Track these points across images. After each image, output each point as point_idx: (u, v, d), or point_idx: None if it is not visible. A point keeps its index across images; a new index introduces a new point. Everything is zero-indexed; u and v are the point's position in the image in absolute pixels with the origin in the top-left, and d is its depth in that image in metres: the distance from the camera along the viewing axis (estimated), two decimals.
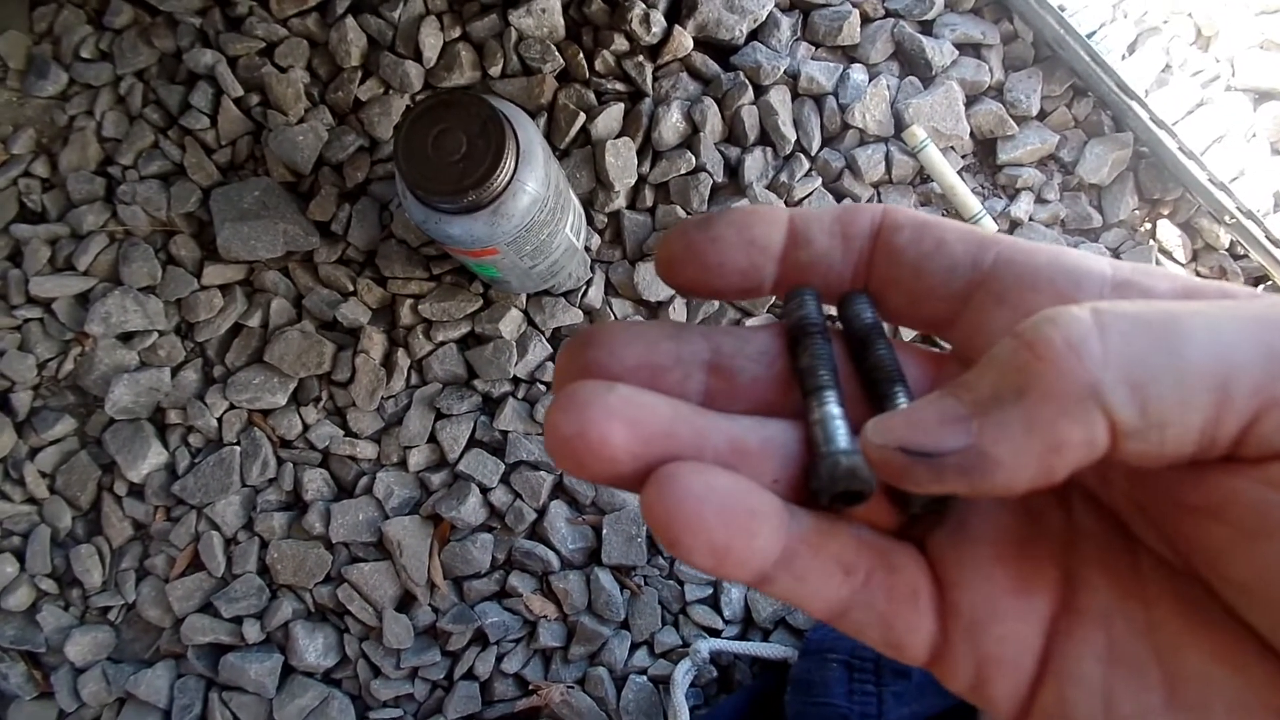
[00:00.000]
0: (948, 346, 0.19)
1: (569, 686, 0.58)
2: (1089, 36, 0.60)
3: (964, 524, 0.17)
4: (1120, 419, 0.13)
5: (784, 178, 0.59)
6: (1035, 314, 0.14)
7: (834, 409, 0.17)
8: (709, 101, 0.59)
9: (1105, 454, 0.14)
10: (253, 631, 0.58)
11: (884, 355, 0.18)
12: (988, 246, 0.18)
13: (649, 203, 0.60)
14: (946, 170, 0.59)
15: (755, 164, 0.59)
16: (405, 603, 0.59)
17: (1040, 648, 0.16)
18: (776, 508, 0.16)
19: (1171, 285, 0.16)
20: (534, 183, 0.47)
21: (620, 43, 0.59)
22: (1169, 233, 0.60)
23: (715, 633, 0.58)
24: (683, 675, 0.55)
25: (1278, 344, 0.13)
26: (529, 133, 0.47)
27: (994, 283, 0.17)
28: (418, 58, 0.60)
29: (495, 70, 0.60)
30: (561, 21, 0.60)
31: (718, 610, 0.59)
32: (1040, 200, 0.61)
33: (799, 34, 0.62)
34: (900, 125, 0.60)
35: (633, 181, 0.60)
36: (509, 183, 0.46)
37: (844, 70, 0.60)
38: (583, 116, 0.59)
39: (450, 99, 0.45)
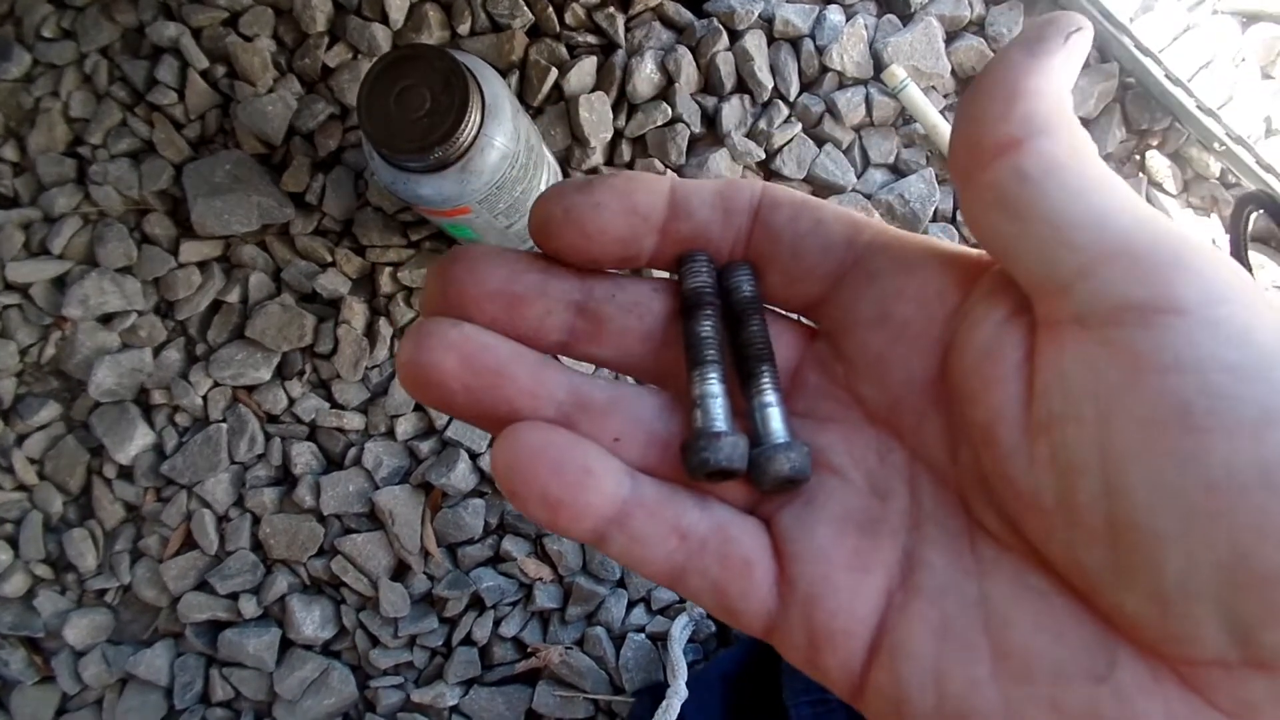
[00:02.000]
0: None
1: (567, 647, 0.58)
2: None
3: (811, 501, 0.18)
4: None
5: (763, 125, 0.58)
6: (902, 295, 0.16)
7: (715, 387, 0.18)
8: (683, 50, 0.58)
9: None
10: (249, 607, 0.58)
11: (756, 332, 0.19)
12: (862, 228, 0.18)
13: (626, 157, 0.59)
14: (928, 110, 0.58)
15: (733, 113, 0.58)
16: (400, 572, 0.59)
17: (875, 624, 0.16)
18: (614, 468, 0.17)
19: None
20: (502, 137, 0.46)
21: None
22: (1159, 164, 0.59)
23: None
24: (680, 630, 0.55)
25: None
26: (494, 86, 0.46)
27: (867, 263, 0.18)
28: (384, 20, 0.59)
29: (464, 29, 0.59)
30: None
31: None
32: None
33: None
34: (880, 66, 0.58)
35: (609, 136, 0.58)
36: (475, 137, 0.45)
37: (820, 11, 0.59)
38: (555, 72, 0.58)
39: (411, 54, 0.44)
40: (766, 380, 0.18)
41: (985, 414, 0.16)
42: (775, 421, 0.18)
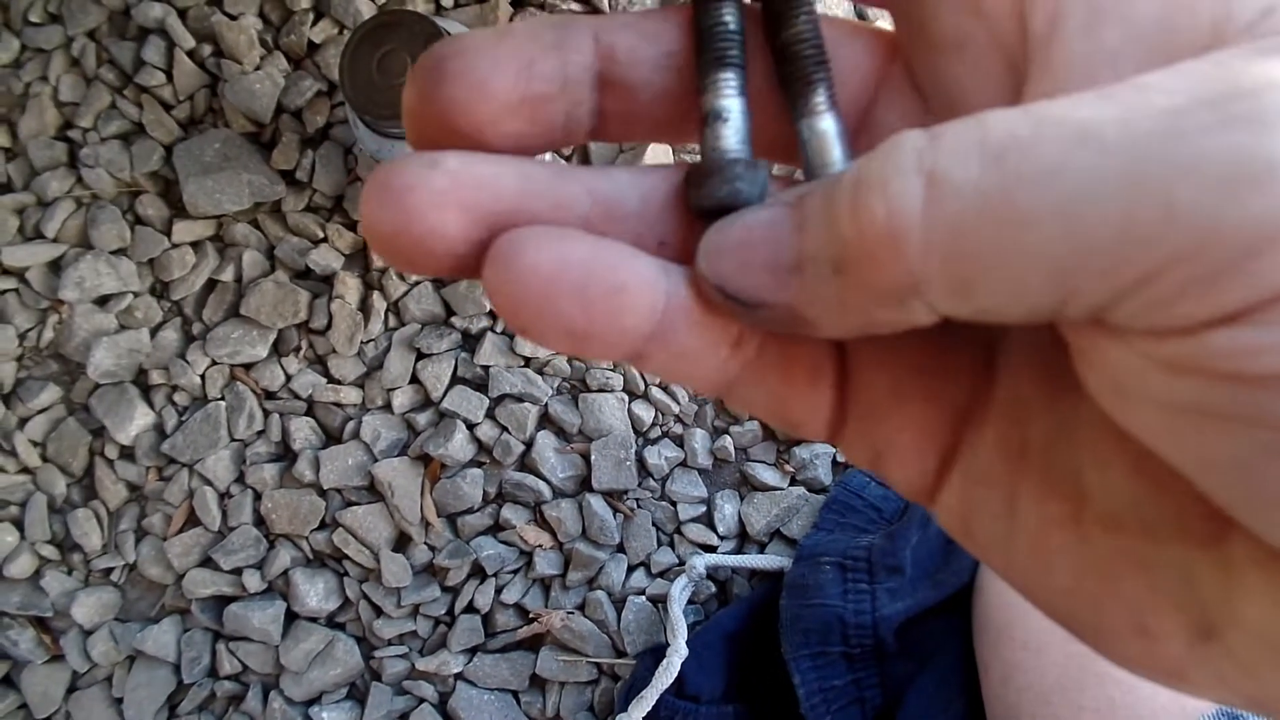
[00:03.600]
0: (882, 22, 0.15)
1: (569, 612, 0.58)
2: None
3: None
4: (944, 310, 0.11)
5: None
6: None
7: (728, 98, 0.14)
8: None
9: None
10: (253, 581, 0.59)
11: (804, 28, 0.14)
12: None
13: None
14: None
15: None
16: (401, 543, 0.59)
17: (946, 438, 0.14)
18: (649, 276, 0.13)
19: None
20: None
21: None
22: None
23: (710, 549, 0.58)
24: (680, 592, 0.55)
25: (1145, 199, 0.10)
26: None
27: None
28: None
29: (449, 1, 0.59)
30: None
31: (712, 527, 0.59)
32: None
33: None
34: None
35: None
36: None
37: None
38: None
39: (392, 19, 0.44)
40: (820, 95, 0.14)
41: None
42: (834, 149, 0.14)
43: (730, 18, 0.14)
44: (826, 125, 0.14)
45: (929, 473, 0.15)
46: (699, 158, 0.14)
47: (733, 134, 0.14)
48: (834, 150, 0.14)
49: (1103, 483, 0.13)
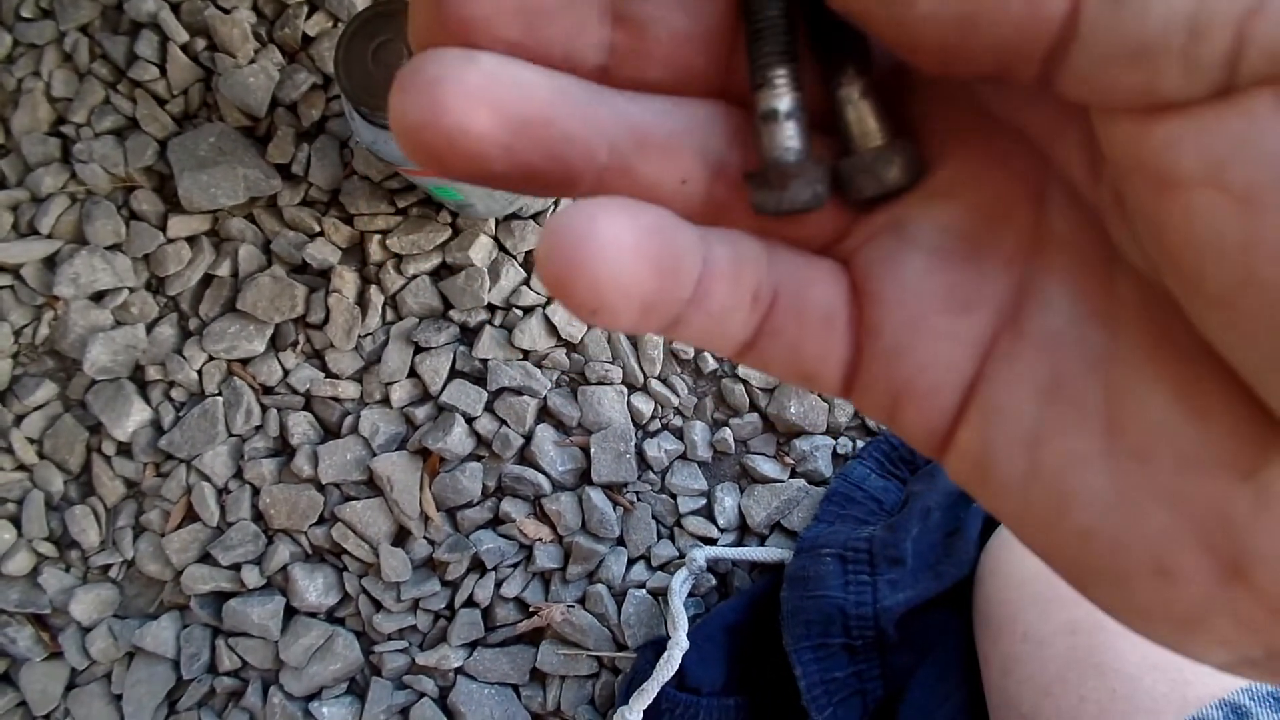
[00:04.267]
0: None
1: (569, 606, 0.58)
2: None
3: (902, 228, 0.14)
4: None
5: None
6: None
7: (785, 96, 0.13)
8: None
9: (1054, 43, 0.11)
10: (252, 577, 0.59)
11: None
12: None
13: None
14: None
15: None
16: (400, 537, 0.59)
17: (970, 374, 0.14)
18: (695, 240, 0.13)
19: None
20: None
21: None
22: None
23: (711, 541, 0.58)
24: (680, 584, 0.55)
25: None
26: None
27: None
28: None
29: None
30: None
31: (712, 519, 0.59)
32: None
33: None
34: None
35: None
36: None
37: None
38: None
39: (387, 9, 0.44)
40: (853, 68, 0.14)
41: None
42: (868, 119, 0.14)
43: (782, 4, 0.13)
44: (863, 94, 0.14)
45: (948, 412, 0.14)
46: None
47: (800, 134, 0.14)
48: (872, 119, 0.14)
49: (1137, 414, 0.12)
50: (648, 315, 0.12)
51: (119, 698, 0.59)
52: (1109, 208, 0.13)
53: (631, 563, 0.59)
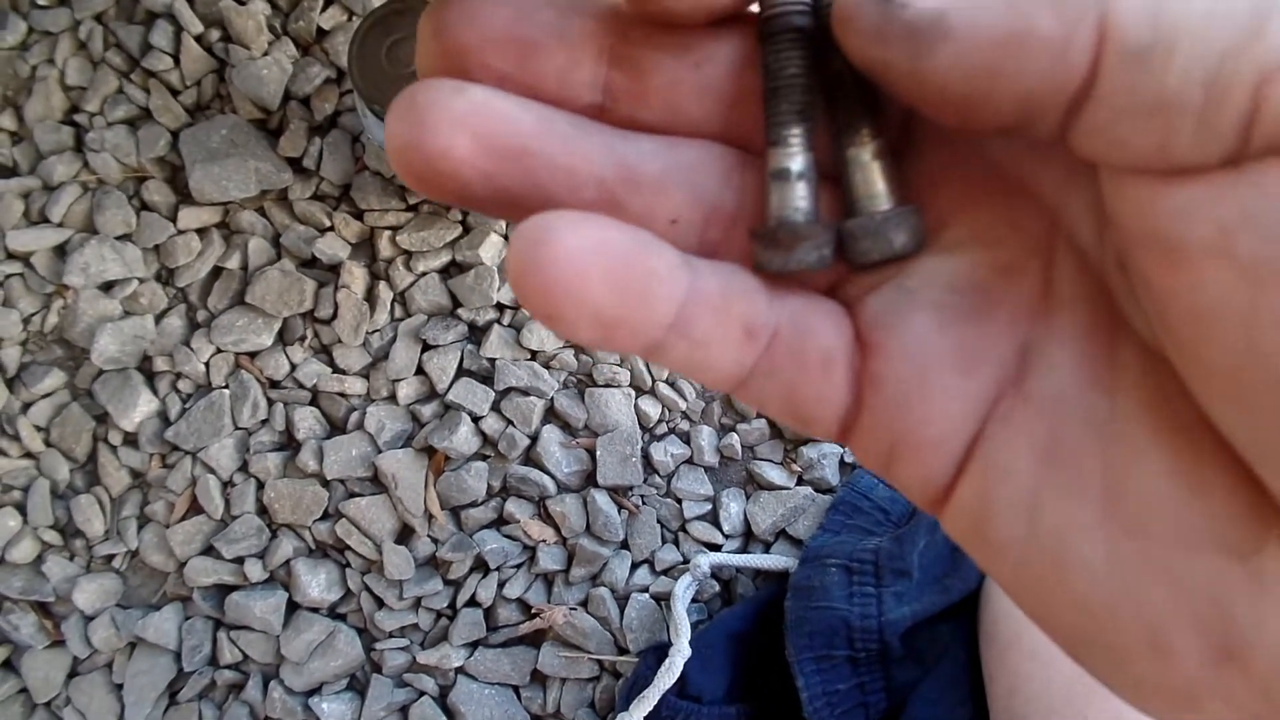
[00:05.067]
0: None
1: (572, 608, 0.58)
2: None
3: (908, 281, 0.14)
4: (1120, 23, 0.10)
5: None
6: None
7: (797, 157, 0.14)
8: None
9: (1074, 99, 0.11)
10: (255, 571, 0.58)
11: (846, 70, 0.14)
12: None
13: None
14: None
15: None
16: (404, 535, 0.59)
17: (971, 433, 0.14)
18: (676, 264, 0.13)
19: None
20: None
21: None
22: None
23: (715, 547, 0.58)
24: (684, 590, 0.55)
25: None
26: None
27: None
28: None
29: None
30: None
31: (717, 525, 0.58)
32: None
33: None
34: None
35: None
36: None
37: None
38: None
39: (402, 7, 0.44)
40: (866, 129, 0.14)
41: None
42: (876, 182, 0.14)
43: (802, 63, 0.14)
44: (868, 155, 0.14)
45: (947, 469, 0.14)
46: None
47: (809, 196, 0.14)
48: (880, 181, 0.14)
49: (1136, 486, 0.12)
50: (610, 331, 0.12)
51: (120, 687, 0.59)
52: (1114, 273, 0.13)
53: (635, 566, 0.59)
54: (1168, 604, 0.12)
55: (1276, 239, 0.10)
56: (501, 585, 0.58)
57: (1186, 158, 0.11)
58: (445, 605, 0.59)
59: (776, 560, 0.56)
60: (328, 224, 0.59)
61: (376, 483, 0.59)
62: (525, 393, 0.59)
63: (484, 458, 0.59)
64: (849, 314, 0.15)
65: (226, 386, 0.59)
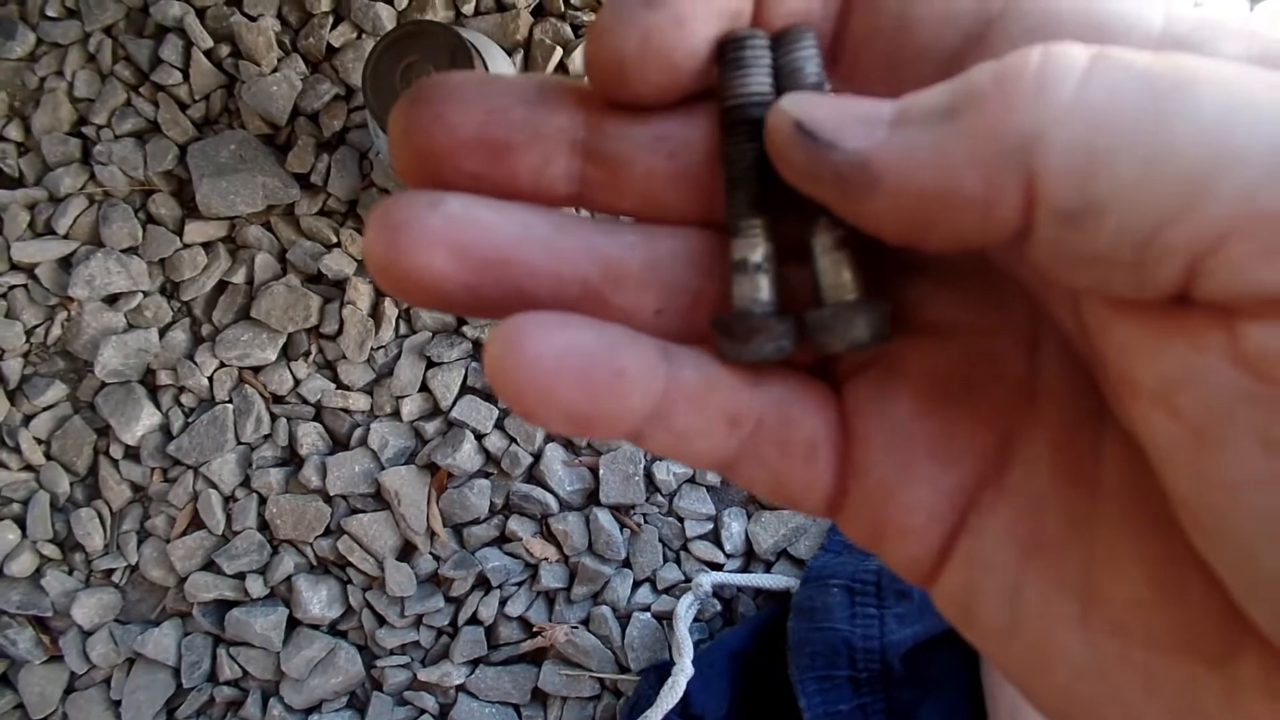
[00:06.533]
0: None
1: (573, 627, 0.58)
2: None
3: (894, 367, 0.15)
4: (1047, 189, 0.10)
5: None
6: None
7: (756, 247, 0.14)
8: None
9: (1011, 240, 0.11)
10: (256, 586, 0.58)
11: None
12: None
13: None
14: None
15: None
16: (406, 552, 0.59)
17: (952, 523, 0.14)
18: (650, 359, 0.13)
19: (1243, 48, 0.12)
20: None
21: None
22: None
23: (717, 566, 0.58)
24: (685, 610, 0.55)
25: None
26: (500, 63, 0.46)
27: (998, 37, 0.13)
28: (389, 0, 0.59)
29: (469, 8, 0.59)
30: None
31: (719, 544, 0.58)
32: None
33: None
34: None
35: None
36: None
37: None
38: (560, 51, 0.58)
39: (417, 30, 0.44)
40: (825, 218, 0.14)
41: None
42: (840, 272, 0.14)
43: (760, 154, 0.13)
44: (836, 245, 0.14)
45: (931, 555, 0.14)
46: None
47: (766, 287, 0.14)
48: (844, 271, 0.14)
49: (1114, 585, 0.12)
50: (583, 426, 0.13)
51: (118, 703, 0.59)
52: (1095, 365, 0.13)
53: (637, 585, 0.59)
54: (1143, 701, 0.12)
55: (1218, 407, 0.10)
56: (503, 603, 0.58)
57: (1127, 296, 0.11)
58: (446, 623, 0.59)
59: (778, 580, 0.56)
60: (334, 240, 0.59)
61: (379, 499, 0.59)
62: None
63: (487, 475, 0.59)
64: (836, 394, 0.15)
65: (230, 401, 0.59)
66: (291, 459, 0.60)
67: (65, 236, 0.60)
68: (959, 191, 0.11)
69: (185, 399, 0.60)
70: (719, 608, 0.58)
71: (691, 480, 0.59)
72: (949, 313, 0.15)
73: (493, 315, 0.14)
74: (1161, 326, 0.11)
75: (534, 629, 0.58)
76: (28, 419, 0.60)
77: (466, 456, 0.58)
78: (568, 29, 0.58)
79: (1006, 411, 0.14)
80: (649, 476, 0.59)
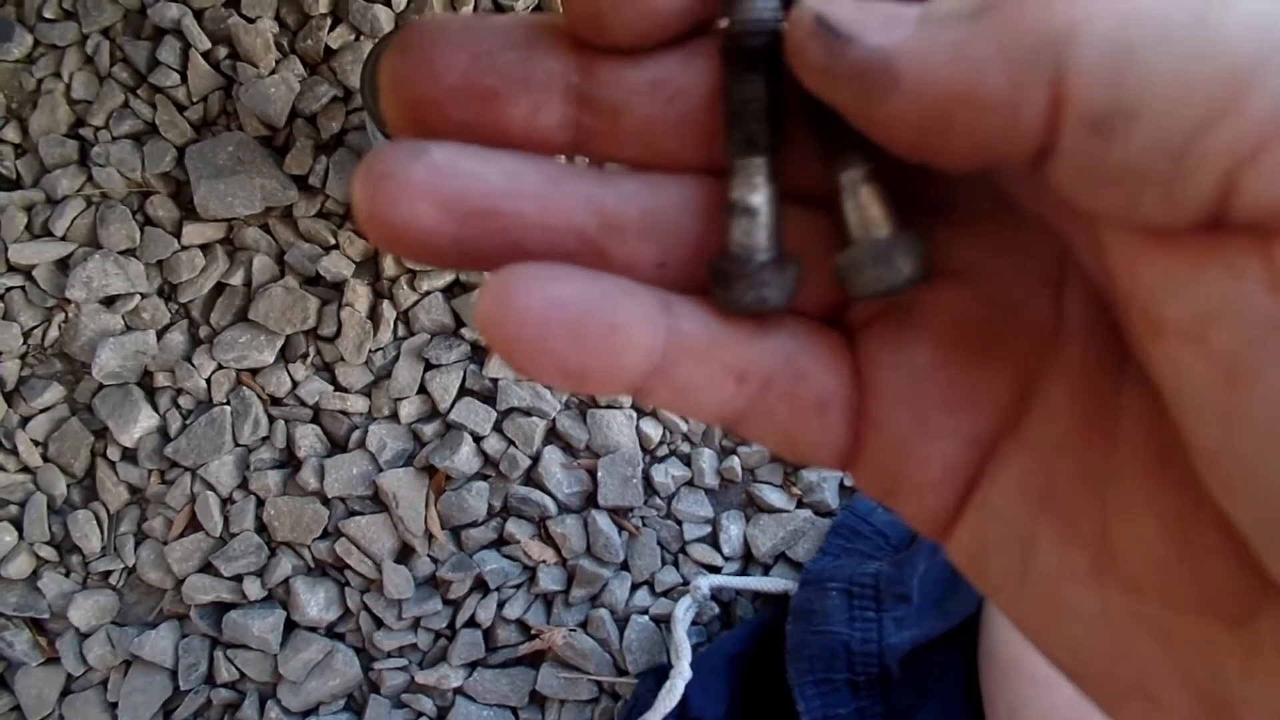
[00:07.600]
0: None
1: (571, 629, 0.58)
2: None
3: (911, 314, 0.14)
4: (1076, 91, 0.10)
5: None
6: None
7: (757, 190, 0.13)
8: None
9: (1035, 154, 0.10)
10: (254, 589, 0.58)
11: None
12: None
13: None
14: None
15: None
16: (404, 554, 0.59)
17: (969, 475, 0.13)
18: (649, 312, 0.12)
19: None
20: None
21: None
22: None
23: (715, 569, 0.58)
24: (684, 613, 0.55)
25: None
26: None
27: None
28: (387, 2, 0.59)
29: (466, 11, 0.59)
30: None
31: (717, 547, 0.58)
32: None
33: None
34: None
35: None
36: None
37: None
38: None
39: None
40: (855, 152, 0.13)
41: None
42: (872, 207, 0.13)
43: (764, 90, 0.13)
44: (866, 179, 0.13)
45: (946, 508, 0.14)
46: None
47: (761, 230, 0.13)
48: (876, 206, 0.13)
49: (1129, 541, 0.12)
50: (579, 381, 0.12)
51: (115, 706, 0.59)
52: (1119, 308, 0.12)
53: (635, 588, 0.59)
54: (1158, 659, 0.12)
55: (1251, 338, 0.10)
56: (501, 605, 0.58)
57: (1156, 221, 0.10)
58: (444, 625, 0.59)
59: (776, 583, 0.56)
60: (332, 242, 0.59)
61: (377, 501, 0.59)
62: (527, 413, 0.59)
63: (485, 478, 0.59)
64: (849, 342, 0.14)
65: (227, 403, 0.59)
66: (289, 461, 0.60)
67: (63, 238, 0.60)
68: (983, 91, 0.10)
69: (183, 401, 0.60)
70: (717, 611, 0.58)
71: (690, 483, 0.59)
72: (970, 256, 0.14)
73: (485, 268, 0.13)
74: (1191, 256, 0.10)
75: (532, 631, 0.58)
76: (25, 421, 0.60)
77: (465, 459, 0.58)
78: None
79: (1027, 359, 0.13)
80: (647, 479, 0.59)
